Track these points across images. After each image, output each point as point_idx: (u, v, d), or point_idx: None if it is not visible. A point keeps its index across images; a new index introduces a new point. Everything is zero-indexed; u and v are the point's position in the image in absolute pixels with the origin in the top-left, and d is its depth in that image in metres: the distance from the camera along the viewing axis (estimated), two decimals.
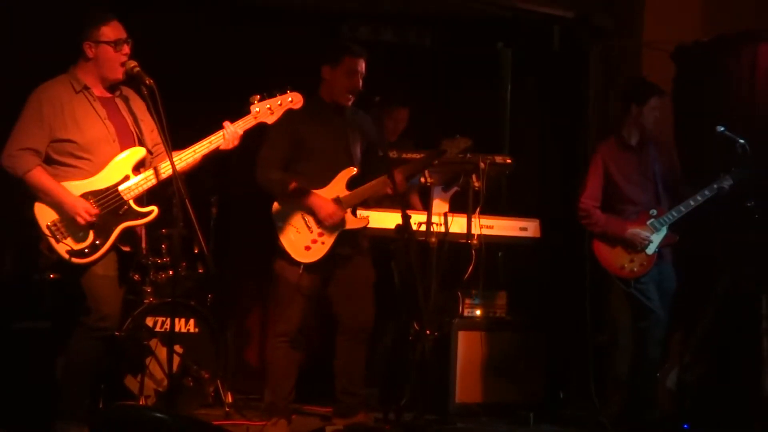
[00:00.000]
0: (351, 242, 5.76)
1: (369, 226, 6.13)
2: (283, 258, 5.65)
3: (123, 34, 5.05)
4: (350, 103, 5.74)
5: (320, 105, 5.73)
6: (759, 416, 6.01)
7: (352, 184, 5.73)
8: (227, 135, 5.07)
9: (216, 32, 7.18)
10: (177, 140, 4.97)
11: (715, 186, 6.12)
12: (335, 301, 5.82)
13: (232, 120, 5.12)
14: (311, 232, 5.66)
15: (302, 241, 5.65)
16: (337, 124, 5.77)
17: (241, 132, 5.10)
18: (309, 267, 5.63)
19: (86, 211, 4.87)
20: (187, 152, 5.03)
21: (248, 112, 5.15)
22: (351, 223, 5.73)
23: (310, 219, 5.65)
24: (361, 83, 5.70)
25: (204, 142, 5.07)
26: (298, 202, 5.65)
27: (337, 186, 5.71)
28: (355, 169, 5.74)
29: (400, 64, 7.71)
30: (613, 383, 6.84)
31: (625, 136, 6.32)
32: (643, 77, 6.53)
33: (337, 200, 5.67)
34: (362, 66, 5.72)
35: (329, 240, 5.66)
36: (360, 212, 5.85)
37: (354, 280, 5.79)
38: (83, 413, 4.99)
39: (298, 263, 5.62)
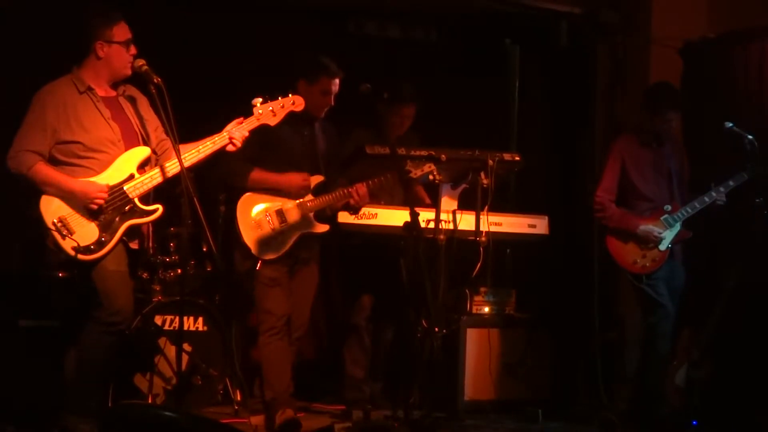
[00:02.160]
0: (309, 247, 5.90)
1: (377, 223, 6.18)
2: (243, 253, 5.73)
3: (130, 34, 5.07)
4: (322, 116, 5.90)
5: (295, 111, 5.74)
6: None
7: (317, 191, 5.85)
8: (237, 137, 5.08)
9: (219, 27, 7.16)
10: (180, 134, 4.97)
11: (731, 182, 6.11)
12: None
13: (233, 118, 5.15)
14: (273, 230, 5.71)
15: (262, 237, 5.71)
16: (309, 132, 5.91)
17: (247, 134, 5.15)
18: (266, 262, 5.72)
19: (101, 192, 4.88)
20: (191, 152, 5.04)
21: (250, 113, 5.19)
22: (312, 227, 5.85)
23: (273, 217, 5.74)
24: (333, 101, 5.84)
25: (207, 143, 5.09)
26: (263, 186, 5.74)
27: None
28: (323, 177, 5.87)
29: (407, 60, 7.70)
30: (621, 380, 6.85)
31: (643, 133, 6.32)
32: (670, 84, 6.46)
33: (302, 204, 5.78)
34: (337, 85, 5.84)
35: (289, 240, 5.76)
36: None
37: (305, 283, 5.92)
38: (93, 409, 5.00)
39: (255, 257, 5.69)
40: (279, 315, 5.77)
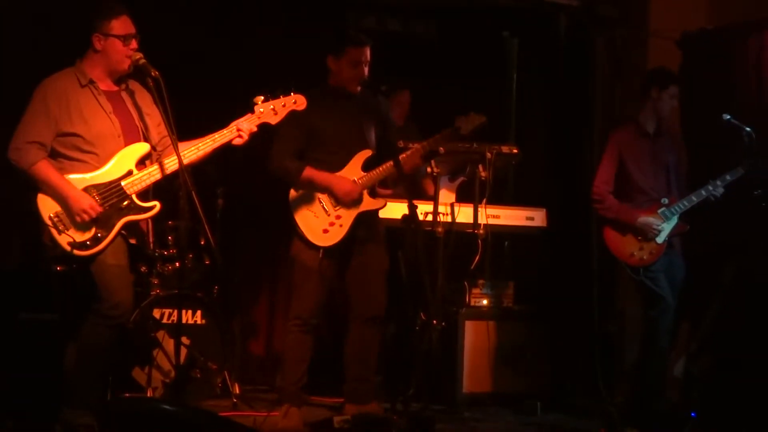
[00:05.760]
0: (367, 225, 5.77)
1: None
2: (302, 242, 5.65)
3: (132, 29, 5.05)
4: (358, 90, 5.73)
5: (330, 92, 5.73)
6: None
7: (368, 165, 5.74)
8: (245, 129, 5.08)
9: (219, 20, 7.16)
10: (180, 133, 4.97)
11: (728, 176, 6.11)
12: (350, 287, 5.83)
13: (236, 116, 5.13)
14: (328, 215, 5.66)
15: (320, 224, 5.65)
16: (349, 109, 5.76)
17: (255, 128, 5.12)
18: (328, 251, 5.64)
19: (91, 208, 4.89)
20: (191, 149, 5.03)
21: (251, 110, 5.16)
22: (368, 205, 5.74)
23: (327, 202, 5.67)
24: (366, 71, 5.70)
25: (208, 140, 5.07)
26: (314, 185, 5.65)
27: (353, 168, 5.72)
28: (371, 151, 5.75)
29: (406, 53, 7.70)
30: (620, 372, 6.86)
31: (642, 122, 6.32)
32: (664, 67, 6.50)
33: (354, 182, 5.68)
34: (367, 54, 5.71)
35: (347, 222, 5.67)
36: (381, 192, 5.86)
37: (368, 267, 5.79)
38: (92, 402, 5.01)
39: (317, 247, 5.63)
40: (309, 308, 5.70)
